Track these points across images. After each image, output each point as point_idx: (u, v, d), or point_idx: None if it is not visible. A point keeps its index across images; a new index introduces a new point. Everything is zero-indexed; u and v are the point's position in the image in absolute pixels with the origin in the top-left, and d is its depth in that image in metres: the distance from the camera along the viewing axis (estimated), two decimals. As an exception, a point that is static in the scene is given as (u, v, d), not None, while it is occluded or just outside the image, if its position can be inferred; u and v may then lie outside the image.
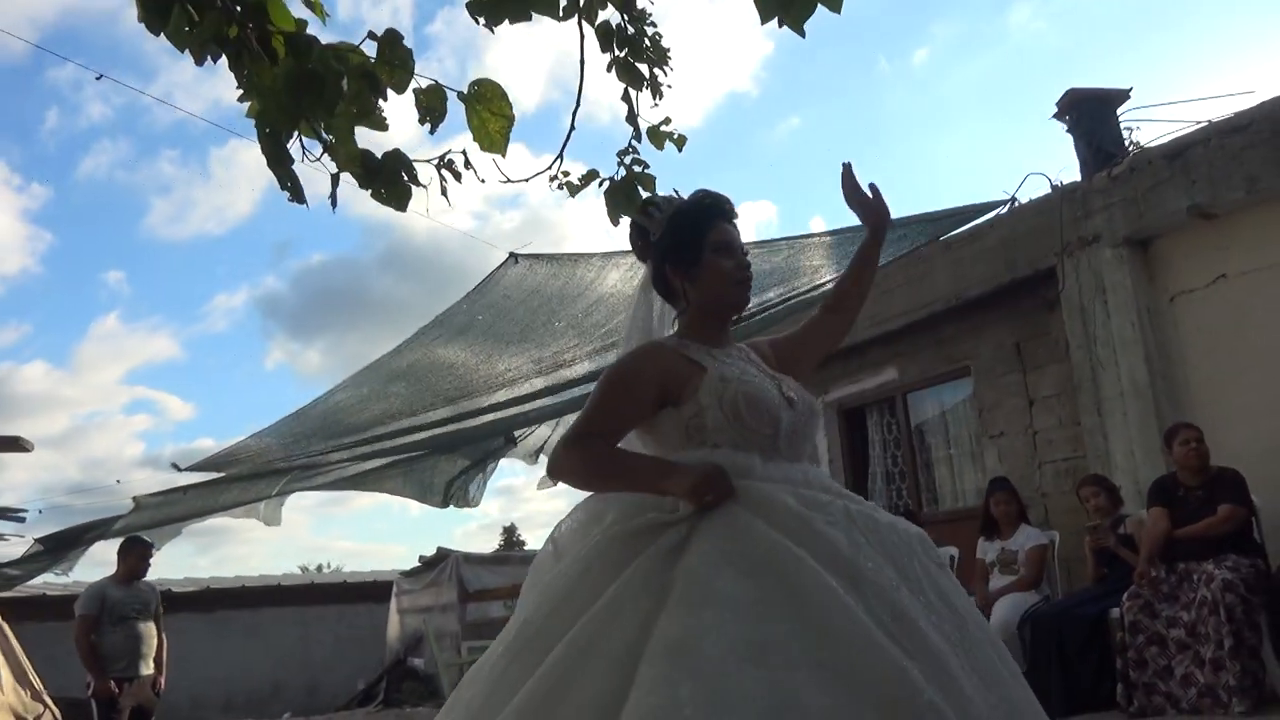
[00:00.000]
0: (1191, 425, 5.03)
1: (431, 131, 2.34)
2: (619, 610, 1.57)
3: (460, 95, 2.31)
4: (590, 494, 1.92)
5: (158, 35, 2.26)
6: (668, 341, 2.05)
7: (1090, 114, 6.71)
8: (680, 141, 3.18)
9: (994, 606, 5.51)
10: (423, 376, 6.06)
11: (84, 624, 5.64)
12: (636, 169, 3.10)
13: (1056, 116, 6.94)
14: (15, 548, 8.00)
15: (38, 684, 6.95)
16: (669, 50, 2.92)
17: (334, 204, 2.41)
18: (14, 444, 6.32)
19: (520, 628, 1.69)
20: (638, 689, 1.44)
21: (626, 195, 3.08)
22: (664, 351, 1.97)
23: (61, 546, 7.81)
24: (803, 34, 2.50)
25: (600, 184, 3.07)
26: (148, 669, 5.81)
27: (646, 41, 2.91)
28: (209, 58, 2.30)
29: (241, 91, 2.32)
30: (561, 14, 2.87)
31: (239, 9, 2.32)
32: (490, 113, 2.30)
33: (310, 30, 2.21)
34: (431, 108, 2.30)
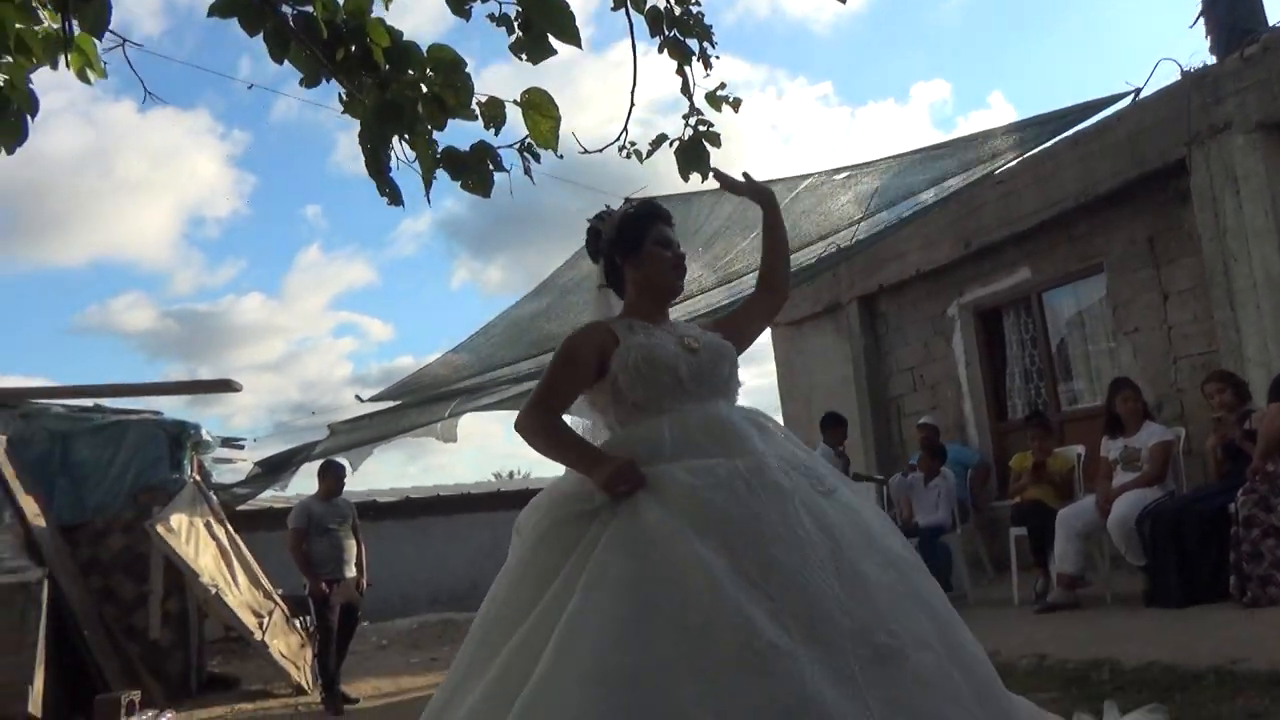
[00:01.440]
0: (1311, 319, 4.92)
1: (495, 134, 2.79)
2: (557, 602, 1.91)
3: (515, 103, 2.73)
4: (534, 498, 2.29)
5: (280, 64, 2.80)
6: (604, 319, 2.42)
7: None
8: (736, 104, 3.52)
9: (1115, 503, 5.62)
10: (545, 325, 6.64)
11: (295, 535, 6.66)
12: (701, 129, 3.48)
13: (1193, -7, 6.59)
14: (240, 471, 9.33)
15: (268, 585, 8.24)
16: (711, 27, 3.22)
17: (429, 201, 2.91)
18: (226, 385, 7.41)
19: (484, 611, 2.09)
20: (541, 661, 1.80)
21: (696, 153, 3.46)
22: (598, 328, 2.34)
23: (276, 469, 9.04)
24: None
25: (671, 144, 3.46)
26: (351, 572, 6.78)
27: (691, 20, 3.23)
28: (322, 79, 2.83)
29: (344, 107, 2.84)
30: (614, 4, 3.25)
31: (345, 31, 2.82)
32: (541, 115, 2.71)
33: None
34: (493, 115, 2.74)
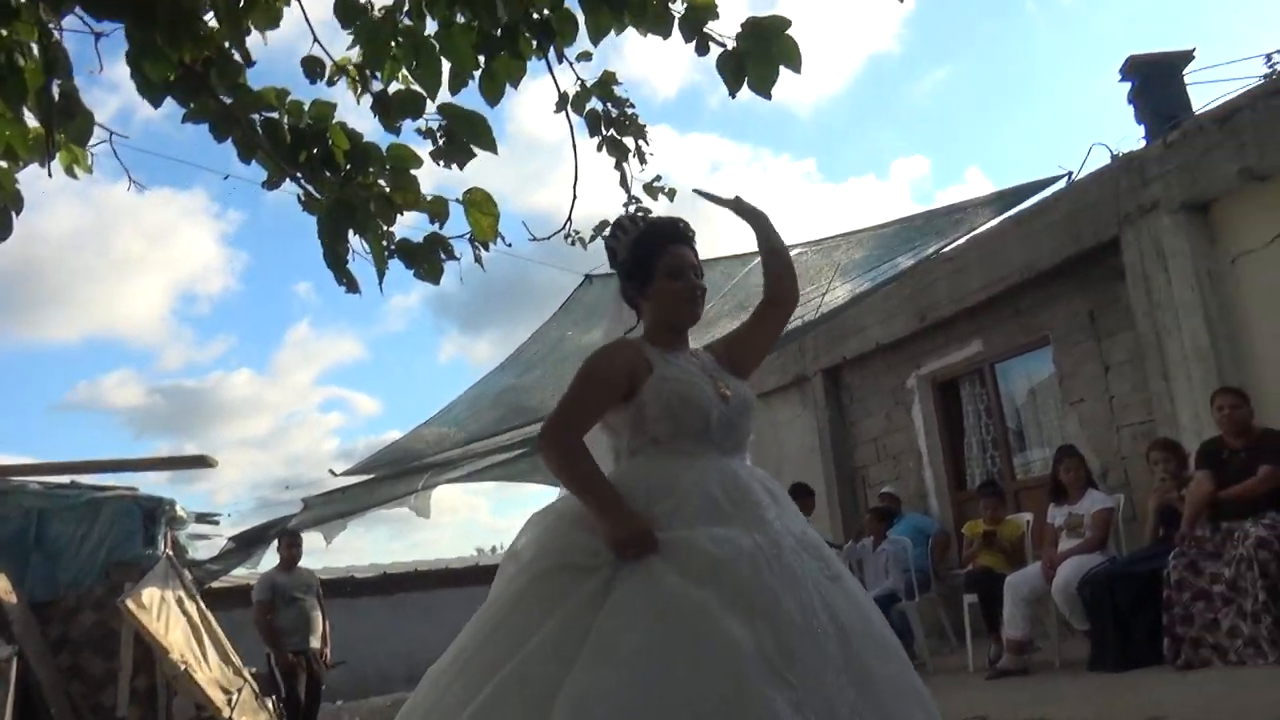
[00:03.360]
0: (1229, 390, 5.21)
1: (440, 228, 3.05)
2: (546, 655, 1.81)
3: (458, 201, 3.00)
4: (533, 517, 2.20)
5: (248, 164, 3.06)
6: (635, 339, 2.32)
7: (1153, 79, 6.79)
8: (671, 194, 3.81)
9: (1059, 568, 5.82)
10: (530, 387, 6.86)
11: (260, 608, 6.76)
12: (640, 213, 3.76)
13: (1122, 81, 7.04)
14: (214, 547, 9.41)
15: (238, 662, 8.25)
16: (645, 126, 3.52)
17: (381, 290, 3.16)
18: (201, 461, 7.56)
19: (457, 652, 1.96)
20: None
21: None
22: (629, 349, 2.22)
23: (249, 544, 9.13)
24: (769, 97, 3.07)
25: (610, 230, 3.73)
26: (316, 643, 6.87)
27: (626, 121, 3.54)
28: (286, 179, 3.09)
29: (302, 206, 3.09)
30: (555, 107, 3.55)
31: (308, 134, 3.09)
32: (481, 213, 2.98)
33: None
34: (438, 213, 3.01)
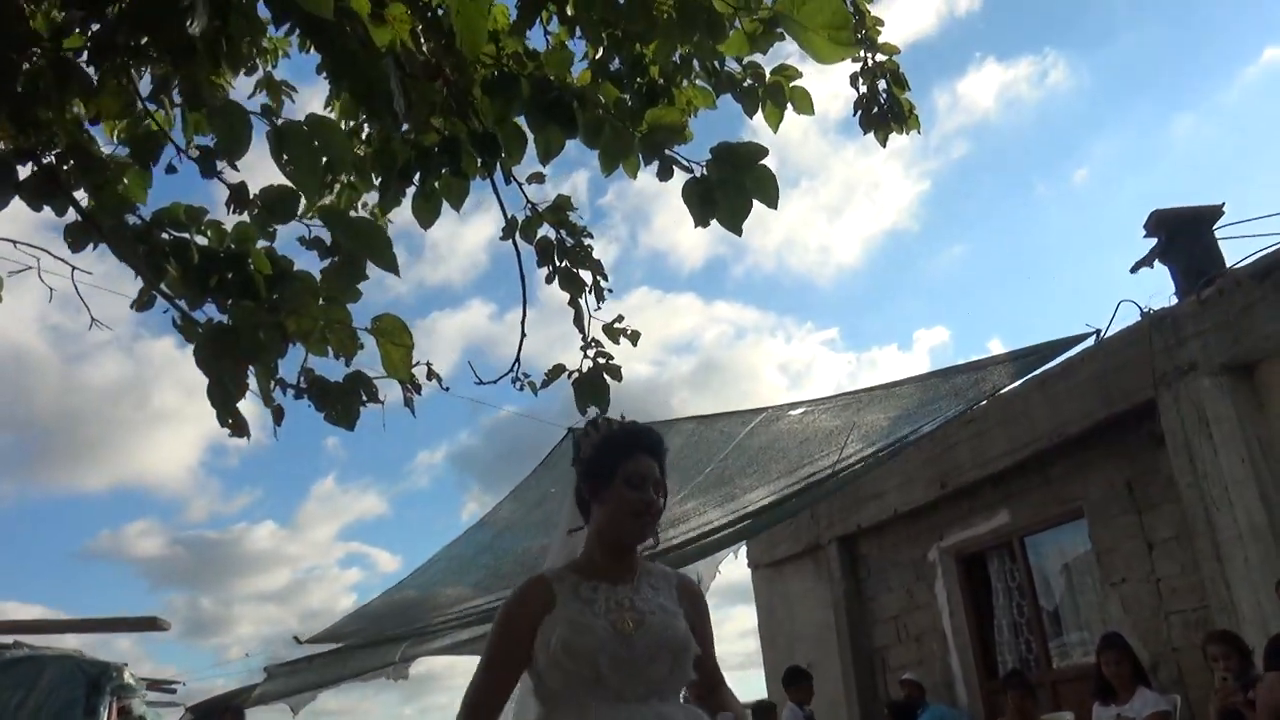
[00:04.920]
0: (1298, 576, 4.51)
1: (347, 365, 2.59)
2: None
3: (368, 329, 2.54)
4: None
5: (155, 288, 2.63)
6: (549, 571, 2.14)
7: (1181, 234, 6.39)
8: (634, 337, 3.34)
9: (1108, 782, 4.98)
10: (507, 550, 6.27)
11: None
12: (601, 361, 3.28)
13: (1146, 237, 6.65)
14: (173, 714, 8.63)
15: None
16: (600, 261, 3.10)
17: (276, 434, 2.67)
18: (152, 624, 6.94)
19: None
20: None
21: (594, 386, 3.25)
22: (536, 591, 2.06)
23: (206, 714, 8.34)
24: (739, 233, 2.65)
25: (569, 376, 3.25)
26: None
27: (581, 252, 3.12)
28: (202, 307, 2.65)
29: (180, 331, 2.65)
30: (502, 234, 3.15)
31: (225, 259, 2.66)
32: (392, 344, 2.51)
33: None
34: (345, 346, 2.54)
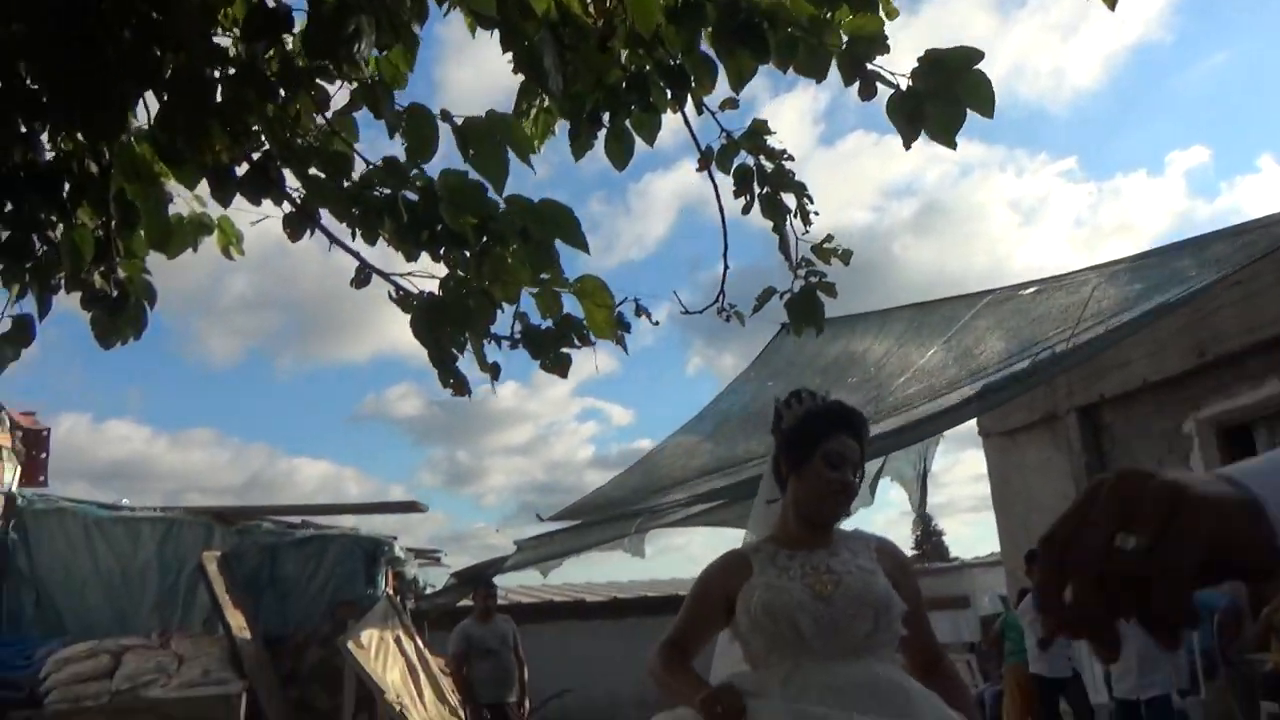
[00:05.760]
0: None
1: (554, 325, 2.63)
2: None
3: (571, 290, 2.56)
4: None
5: (372, 245, 2.77)
6: (747, 547, 2.23)
7: None
8: (846, 256, 3.18)
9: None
10: (732, 435, 6.38)
11: (455, 660, 6.66)
12: (813, 279, 3.17)
13: None
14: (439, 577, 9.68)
15: (454, 701, 8.34)
16: (804, 183, 2.93)
17: (494, 390, 2.79)
18: (412, 507, 7.69)
19: None
20: None
21: (809, 306, 3.15)
22: (733, 562, 2.15)
23: (469, 580, 9.25)
24: (954, 147, 2.45)
25: (781, 296, 3.17)
26: (512, 696, 6.67)
27: (785, 176, 2.96)
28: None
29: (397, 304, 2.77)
30: (697, 166, 3.04)
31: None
32: (594, 304, 2.52)
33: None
34: (550, 309, 2.58)
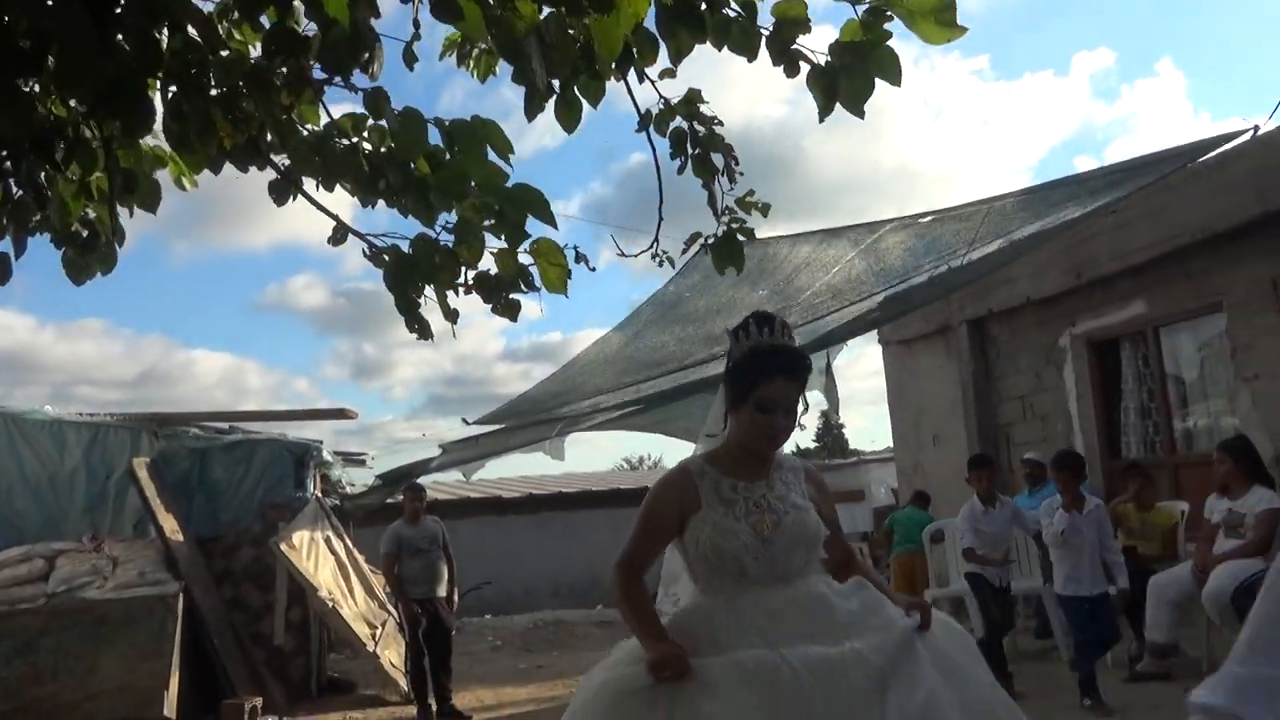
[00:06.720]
0: None
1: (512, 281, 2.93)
2: None
3: (526, 252, 2.86)
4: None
5: (330, 191, 2.99)
6: (693, 465, 2.40)
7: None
8: (765, 209, 3.56)
9: (1213, 572, 5.33)
10: (642, 354, 6.79)
11: (387, 560, 7.03)
12: (735, 225, 3.53)
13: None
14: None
15: (382, 595, 8.77)
16: (732, 146, 3.26)
17: (454, 335, 3.10)
18: (341, 414, 7.93)
19: None
20: None
21: (730, 249, 3.53)
22: (683, 481, 2.35)
23: (394, 481, 9.57)
24: (862, 115, 2.79)
25: (705, 241, 3.54)
26: (442, 591, 7.12)
27: (714, 140, 3.28)
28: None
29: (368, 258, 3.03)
30: (636, 128, 3.33)
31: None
32: (549, 263, 2.83)
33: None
34: (508, 267, 2.88)
